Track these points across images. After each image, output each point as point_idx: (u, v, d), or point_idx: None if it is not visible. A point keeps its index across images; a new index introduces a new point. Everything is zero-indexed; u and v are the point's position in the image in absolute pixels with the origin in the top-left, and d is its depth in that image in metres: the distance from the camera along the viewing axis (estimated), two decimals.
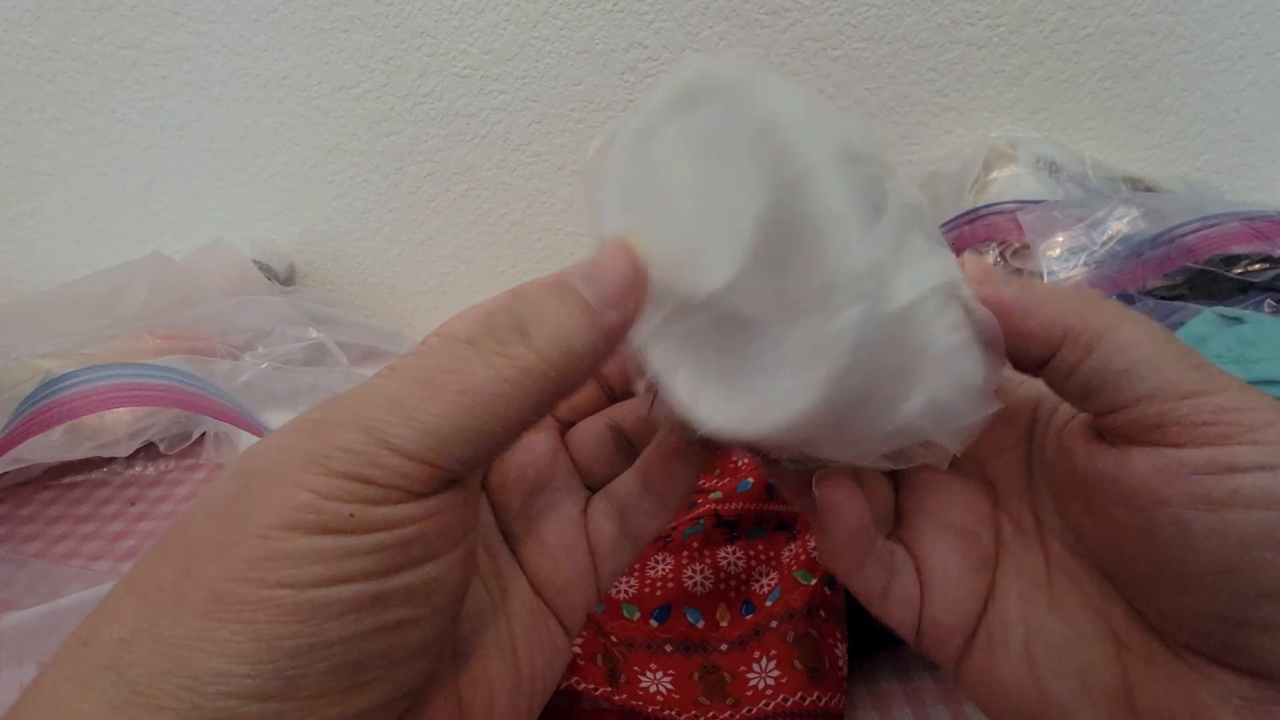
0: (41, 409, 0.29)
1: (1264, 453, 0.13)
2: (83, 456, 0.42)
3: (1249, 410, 0.14)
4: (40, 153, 0.58)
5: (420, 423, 0.13)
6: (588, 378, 0.15)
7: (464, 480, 0.14)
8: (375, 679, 0.13)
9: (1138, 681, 0.16)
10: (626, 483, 0.19)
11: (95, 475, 0.44)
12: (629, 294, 0.15)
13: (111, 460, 0.45)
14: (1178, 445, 0.14)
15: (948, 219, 0.49)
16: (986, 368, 0.16)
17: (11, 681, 0.26)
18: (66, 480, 0.43)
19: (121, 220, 0.60)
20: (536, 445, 0.19)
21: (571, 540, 0.18)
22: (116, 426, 0.42)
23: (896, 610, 0.18)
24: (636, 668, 0.26)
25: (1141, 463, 0.15)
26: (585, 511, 0.19)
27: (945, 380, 0.15)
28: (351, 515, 0.13)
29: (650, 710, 0.24)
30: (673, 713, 0.24)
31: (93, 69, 0.55)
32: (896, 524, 0.19)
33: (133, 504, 0.41)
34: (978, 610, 0.18)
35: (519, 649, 0.17)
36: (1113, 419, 0.15)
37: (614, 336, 0.15)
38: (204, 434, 0.44)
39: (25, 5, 0.53)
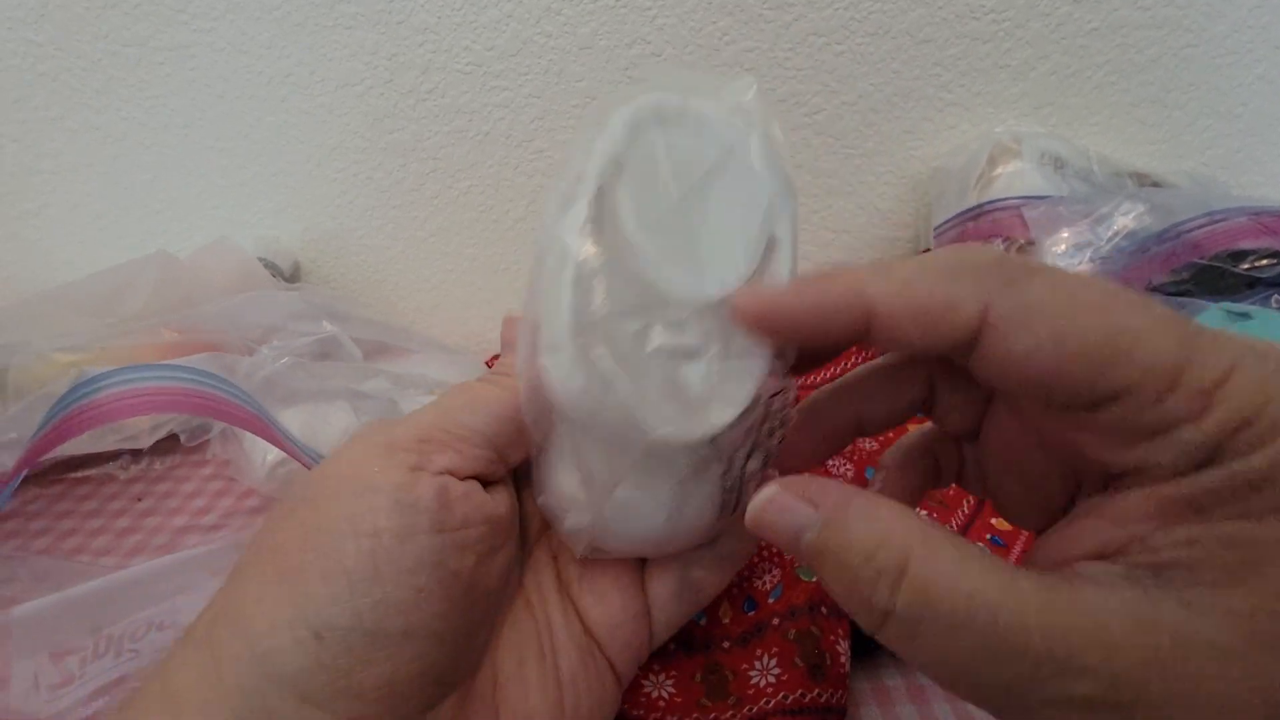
0: (75, 411, 0.30)
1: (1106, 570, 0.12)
2: (108, 449, 0.42)
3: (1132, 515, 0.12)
4: (44, 151, 0.58)
5: (472, 412, 0.17)
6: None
7: (504, 480, 0.18)
8: (386, 645, 0.15)
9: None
10: None
11: (102, 471, 0.44)
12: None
13: (119, 455, 0.45)
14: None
15: (951, 215, 0.48)
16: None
17: (24, 671, 0.27)
18: (73, 476, 0.43)
19: (125, 218, 0.60)
20: None
21: (624, 579, 0.20)
22: (139, 419, 0.42)
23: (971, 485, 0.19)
24: (639, 672, 0.26)
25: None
26: (645, 562, 0.21)
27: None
28: (412, 470, 0.16)
29: (652, 718, 0.24)
30: (675, 718, 0.24)
31: (97, 67, 0.55)
32: (980, 428, 0.18)
33: (139, 500, 0.42)
34: (1059, 512, 0.16)
35: (565, 686, 0.18)
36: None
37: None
38: (221, 428, 0.44)
39: (29, 3, 0.53)
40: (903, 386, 0.18)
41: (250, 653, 0.14)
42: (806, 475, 0.15)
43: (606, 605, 0.19)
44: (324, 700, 0.14)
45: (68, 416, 0.29)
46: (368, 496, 0.15)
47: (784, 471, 0.18)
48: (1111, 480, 0.14)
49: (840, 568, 0.13)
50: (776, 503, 0.14)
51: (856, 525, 0.13)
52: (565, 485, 0.17)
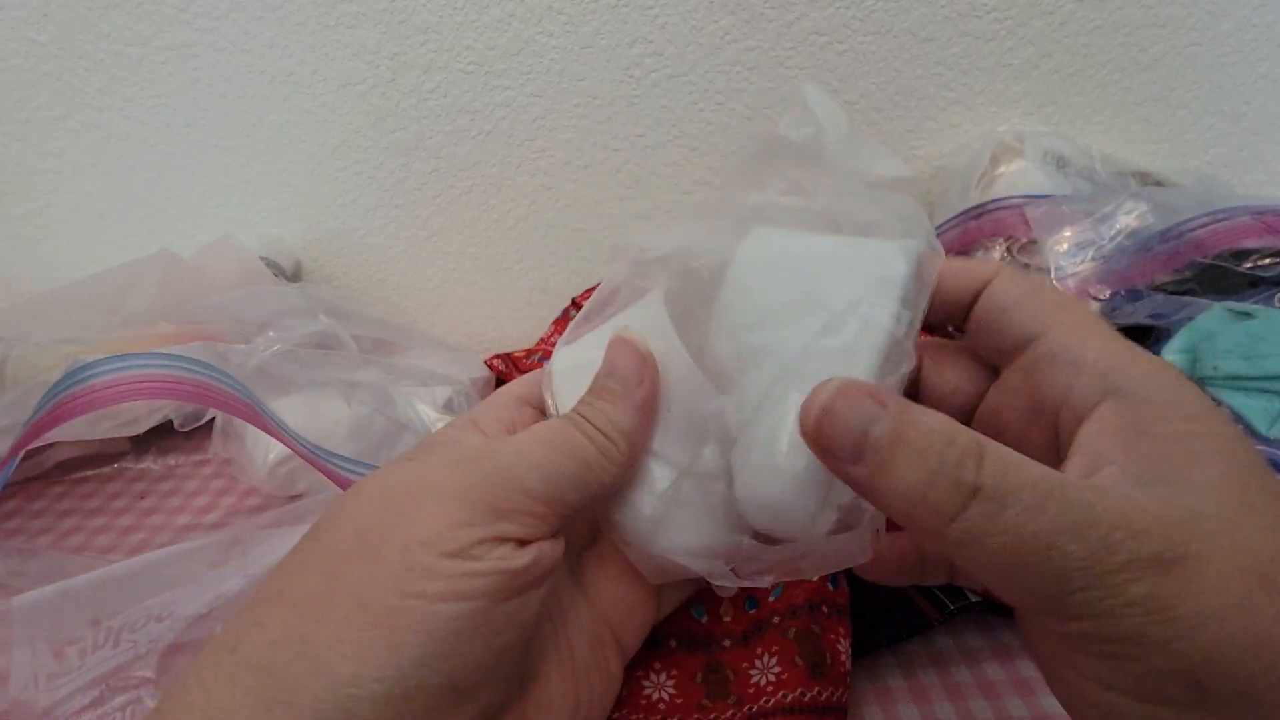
0: (69, 397, 0.30)
1: (1104, 670, 0.13)
2: (102, 436, 0.42)
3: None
4: (47, 150, 0.58)
5: (543, 471, 0.17)
6: (646, 439, 0.19)
7: (561, 532, 0.18)
8: (472, 700, 0.15)
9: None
10: None
11: (105, 471, 0.44)
12: (644, 371, 0.19)
13: (122, 455, 0.45)
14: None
15: (954, 214, 0.48)
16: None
17: (24, 660, 0.27)
18: (76, 476, 0.44)
19: (128, 217, 0.60)
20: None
21: (634, 571, 0.21)
22: (135, 405, 0.42)
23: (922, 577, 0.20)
24: (640, 672, 0.26)
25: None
26: None
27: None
28: (478, 548, 0.15)
29: None
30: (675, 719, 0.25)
31: (100, 67, 0.55)
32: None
33: (142, 498, 0.42)
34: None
35: (579, 673, 0.19)
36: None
37: (648, 405, 0.19)
38: (214, 418, 0.44)
39: (32, 3, 0.53)
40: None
41: (332, 697, 0.14)
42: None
43: (622, 587, 0.20)
44: None
45: (61, 402, 0.30)
46: (457, 563, 0.15)
47: None
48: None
49: (921, 453, 0.13)
50: (846, 396, 0.14)
51: (928, 417, 0.14)
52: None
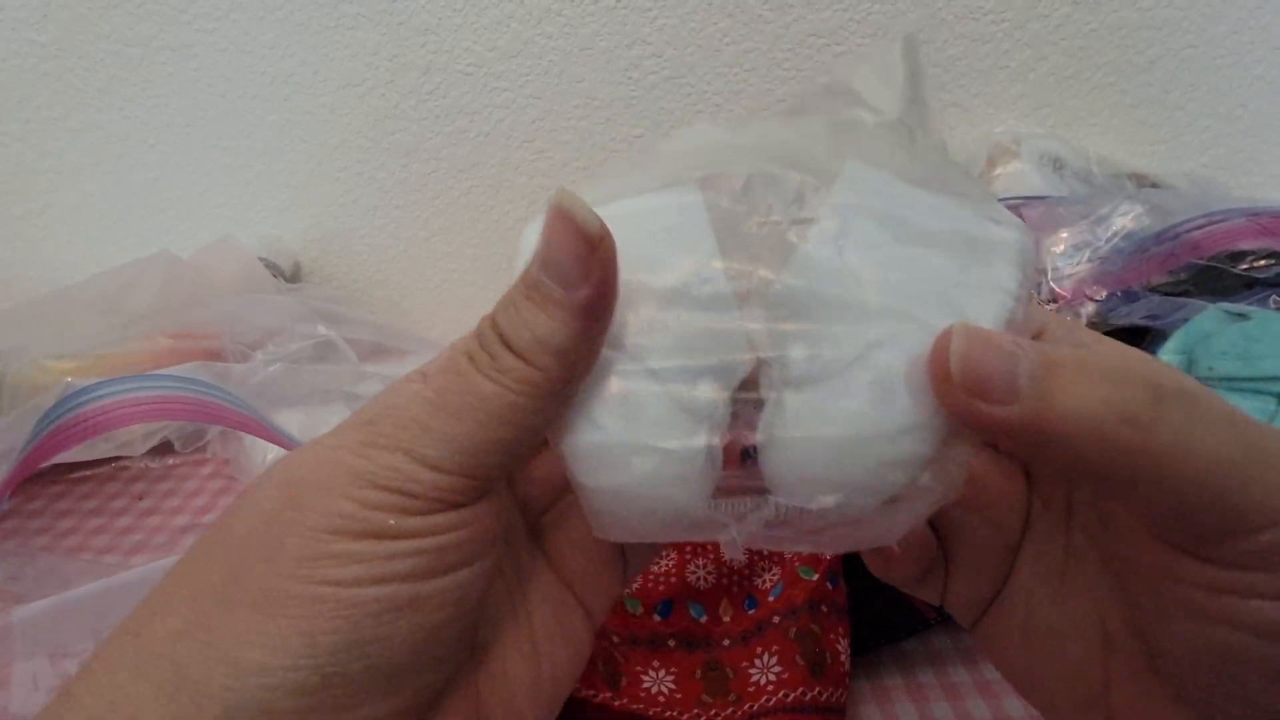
0: (65, 424, 0.30)
1: None
2: (101, 456, 0.43)
3: None
4: (48, 150, 0.58)
5: (452, 442, 0.14)
6: (594, 354, 0.15)
7: (494, 491, 0.15)
8: (403, 683, 0.14)
9: (1117, 685, 0.16)
10: None
11: (103, 471, 0.44)
12: (591, 261, 0.14)
13: (118, 458, 0.45)
14: (1190, 554, 0.13)
15: None
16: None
17: (24, 673, 0.27)
18: (74, 476, 0.44)
19: (128, 217, 0.60)
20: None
21: None
22: (132, 428, 0.42)
23: (926, 590, 0.19)
24: (638, 668, 0.26)
25: (1147, 552, 0.14)
26: None
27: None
28: (393, 523, 0.14)
29: (652, 713, 0.25)
30: (674, 713, 0.25)
31: (100, 67, 0.55)
32: None
33: (140, 499, 0.42)
34: (994, 588, 0.18)
35: (540, 645, 0.17)
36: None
37: (597, 308, 0.14)
38: (216, 431, 0.44)
39: (33, 4, 0.53)
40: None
41: (243, 686, 0.13)
42: None
43: (586, 553, 0.18)
44: None
45: (55, 431, 0.30)
46: (370, 545, 0.13)
47: None
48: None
49: (1083, 370, 0.12)
50: (978, 336, 0.13)
51: (1061, 347, 0.13)
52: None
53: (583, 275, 0.14)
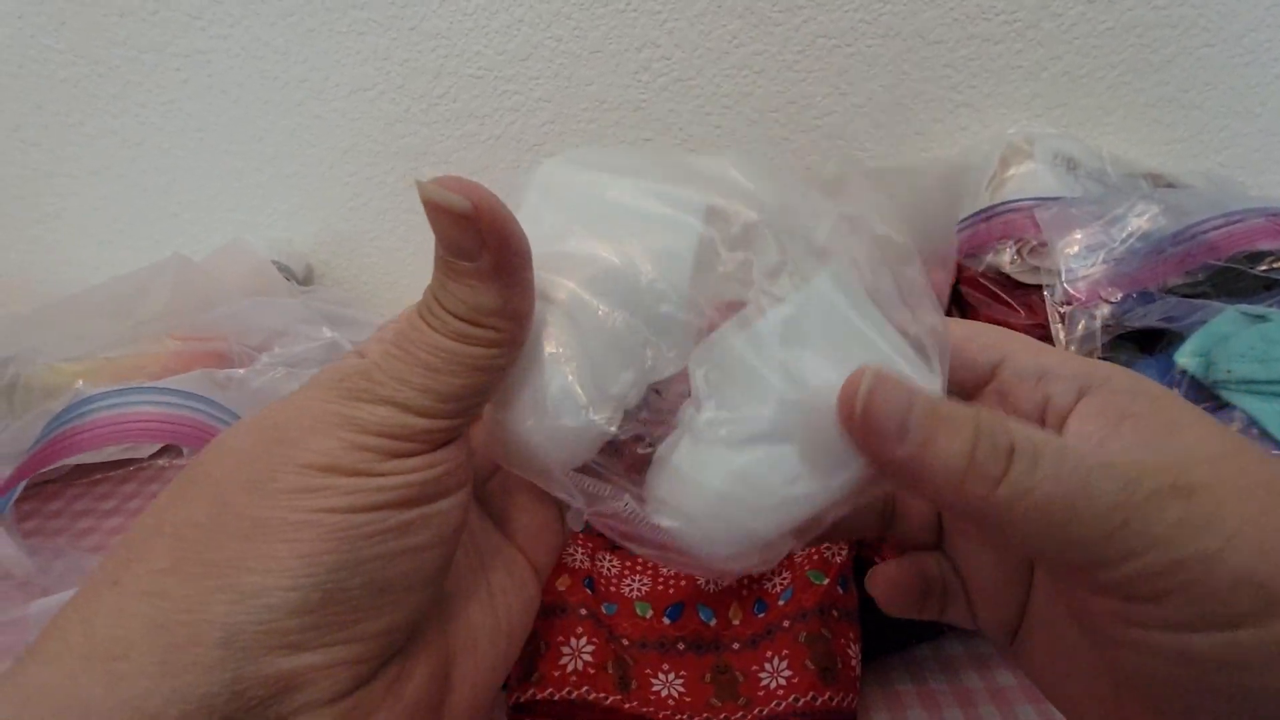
0: (72, 430, 0.30)
1: (1170, 613, 0.13)
2: (109, 459, 0.43)
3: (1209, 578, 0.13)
4: (64, 155, 0.59)
5: (429, 391, 0.16)
6: (527, 298, 0.16)
7: (462, 436, 0.17)
8: (393, 601, 0.15)
9: (1128, 706, 0.17)
10: None
11: (119, 473, 0.44)
12: (477, 233, 0.15)
13: (138, 456, 0.46)
14: (1090, 591, 0.15)
15: (964, 217, 0.48)
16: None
17: None
18: (91, 478, 0.44)
19: (142, 221, 0.61)
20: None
21: (540, 492, 0.20)
22: None
23: (954, 614, 0.21)
24: (648, 671, 0.26)
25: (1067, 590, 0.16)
26: None
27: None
28: (380, 463, 0.15)
29: (661, 716, 0.24)
30: (684, 717, 0.24)
31: (115, 73, 0.56)
32: (942, 538, 0.21)
33: (156, 498, 0.42)
34: (1017, 612, 0.19)
35: (496, 596, 0.19)
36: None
37: (506, 266, 0.16)
38: None
39: (50, 11, 0.54)
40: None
41: (245, 608, 0.13)
42: None
43: (530, 515, 0.20)
44: (320, 646, 0.14)
45: (62, 435, 0.30)
46: (359, 480, 0.15)
47: None
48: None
49: (957, 425, 0.14)
50: (884, 381, 0.15)
51: (946, 400, 0.15)
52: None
53: (478, 245, 0.16)
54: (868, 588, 0.21)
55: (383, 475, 0.15)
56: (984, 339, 0.18)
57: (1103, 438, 0.16)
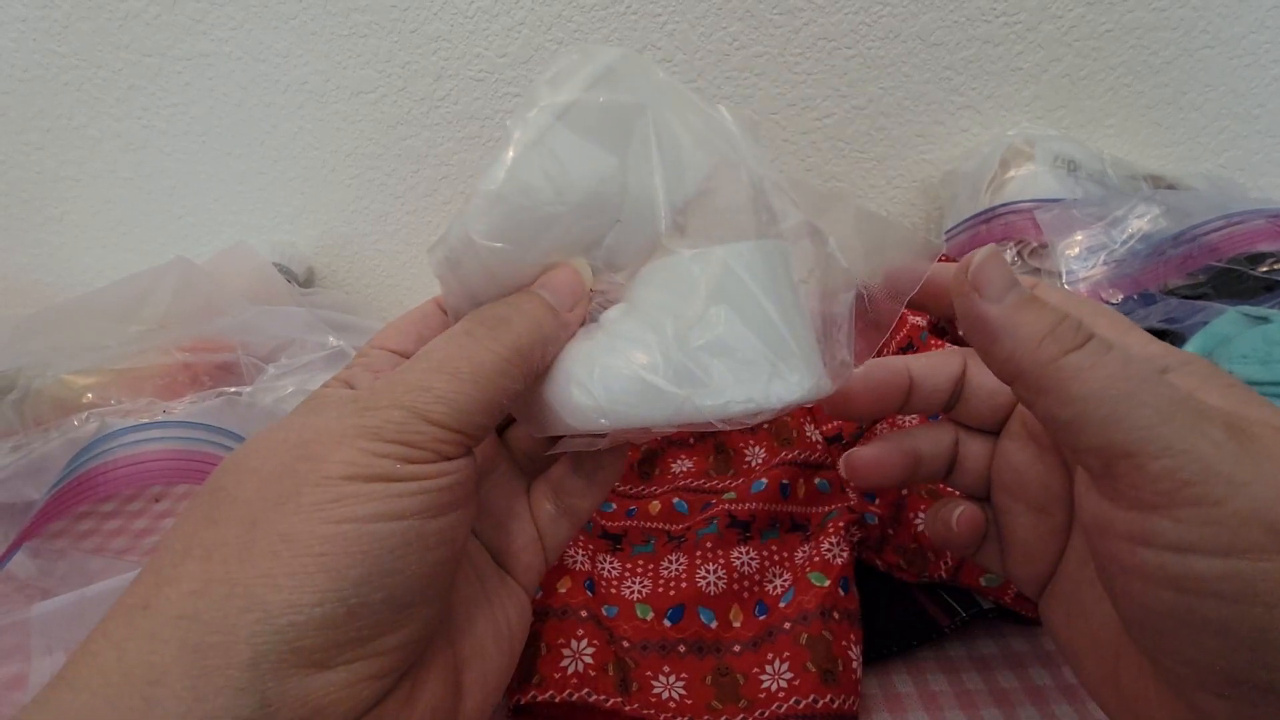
0: (91, 474, 0.30)
1: (1180, 530, 0.14)
2: None
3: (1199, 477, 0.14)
4: (67, 159, 0.59)
5: (450, 401, 0.17)
6: (549, 361, 0.19)
7: (474, 450, 0.18)
8: (412, 615, 0.16)
9: (1123, 663, 0.18)
10: (559, 468, 0.22)
11: None
12: (579, 300, 0.19)
13: None
14: (1112, 500, 0.16)
15: (964, 219, 0.48)
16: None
17: (43, 669, 0.27)
18: None
19: (145, 224, 0.61)
20: (483, 445, 0.22)
21: (518, 512, 0.22)
22: None
23: (985, 557, 0.22)
24: (649, 673, 0.26)
25: (1092, 504, 0.16)
26: (529, 493, 0.23)
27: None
28: (398, 468, 0.16)
29: (662, 718, 0.24)
30: (685, 719, 0.24)
31: (118, 77, 0.56)
32: (988, 493, 0.22)
33: (157, 501, 0.42)
34: (1049, 569, 0.21)
35: (494, 605, 0.20)
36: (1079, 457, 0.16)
37: (568, 330, 0.19)
38: None
39: (54, 15, 0.54)
40: (950, 360, 0.22)
41: (271, 628, 0.14)
42: None
43: (509, 535, 0.21)
44: (343, 663, 0.15)
45: (81, 479, 0.30)
46: (383, 486, 0.16)
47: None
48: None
49: (1050, 306, 0.16)
50: (998, 255, 0.17)
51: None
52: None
53: (572, 303, 0.19)
54: (843, 472, 0.22)
55: (401, 480, 0.16)
56: (1079, 310, 0.19)
57: None
